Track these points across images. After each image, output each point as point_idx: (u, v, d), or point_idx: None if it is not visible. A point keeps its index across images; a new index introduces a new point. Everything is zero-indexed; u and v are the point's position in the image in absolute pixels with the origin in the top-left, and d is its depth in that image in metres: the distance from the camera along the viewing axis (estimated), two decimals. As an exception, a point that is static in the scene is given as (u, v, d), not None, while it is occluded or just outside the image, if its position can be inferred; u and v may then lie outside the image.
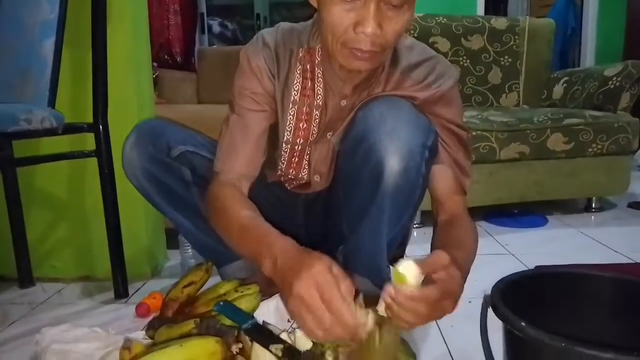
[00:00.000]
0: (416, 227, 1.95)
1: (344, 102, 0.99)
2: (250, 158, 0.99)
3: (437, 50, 2.40)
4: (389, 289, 0.68)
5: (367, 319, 0.67)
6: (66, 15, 1.20)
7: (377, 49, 0.82)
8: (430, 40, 2.45)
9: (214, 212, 0.94)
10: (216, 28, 4.63)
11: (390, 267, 0.74)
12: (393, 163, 0.86)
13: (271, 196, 1.18)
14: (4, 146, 1.29)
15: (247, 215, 0.88)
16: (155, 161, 1.06)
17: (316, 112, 1.00)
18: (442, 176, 0.98)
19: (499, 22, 2.57)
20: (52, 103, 1.18)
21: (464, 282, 0.76)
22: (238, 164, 0.98)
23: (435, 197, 1.01)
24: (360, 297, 0.69)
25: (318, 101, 0.99)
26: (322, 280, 0.65)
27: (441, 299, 0.69)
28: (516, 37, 2.56)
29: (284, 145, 1.03)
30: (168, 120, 1.13)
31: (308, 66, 0.98)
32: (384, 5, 0.77)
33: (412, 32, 2.42)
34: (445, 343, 1.04)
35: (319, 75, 0.98)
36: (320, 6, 0.83)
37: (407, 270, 0.68)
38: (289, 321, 1.01)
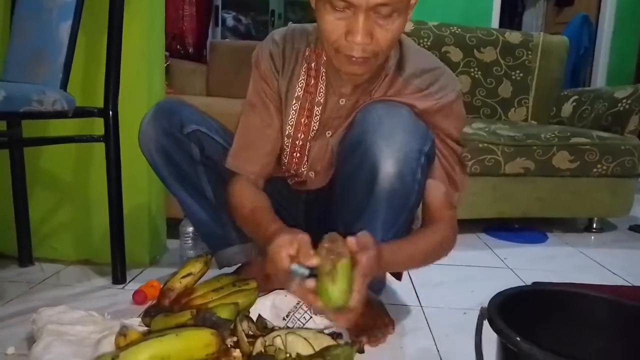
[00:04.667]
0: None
1: (342, 101, 1.01)
2: (265, 158, 1.07)
3: (449, 60, 2.41)
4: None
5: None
6: (84, -1, 1.21)
7: (369, 55, 0.85)
8: (443, 49, 2.43)
9: (231, 197, 1.05)
10: (230, 22, 4.65)
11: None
12: (388, 166, 0.88)
13: (274, 191, 1.19)
14: (14, 125, 1.30)
15: (259, 203, 1.01)
16: (168, 136, 1.10)
17: (317, 109, 1.03)
18: (435, 191, 0.99)
19: (513, 36, 2.57)
20: (64, 85, 1.18)
21: (384, 263, 0.85)
22: (254, 165, 1.06)
23: (425, 208, 1.02)
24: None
25: (319, 98, 1.03)
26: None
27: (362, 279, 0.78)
28: (529, 52, 2.56)
29: (286, 139, 1.07)
30: (186, 102, 1.17)
31: (313, 65, 1.02)
32: (373, 14, 0.80)
33: (425, 40, 2.42)
34: (439, 353, 1.04)
35: (323, 74, 1.01)
36: (316, 12, 0.87)
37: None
38: (284, 319, 1.02)
